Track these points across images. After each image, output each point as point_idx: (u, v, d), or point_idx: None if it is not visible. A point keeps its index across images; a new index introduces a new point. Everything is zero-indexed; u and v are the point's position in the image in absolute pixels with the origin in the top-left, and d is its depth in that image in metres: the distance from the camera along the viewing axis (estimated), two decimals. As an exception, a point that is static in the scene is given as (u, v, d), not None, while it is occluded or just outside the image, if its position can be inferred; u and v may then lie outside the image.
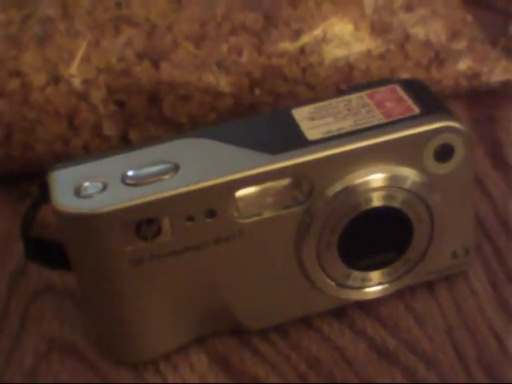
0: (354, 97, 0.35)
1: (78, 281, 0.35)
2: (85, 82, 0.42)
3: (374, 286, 0.36)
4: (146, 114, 0.42)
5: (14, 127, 0.42)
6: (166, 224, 0.32)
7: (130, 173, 0.32)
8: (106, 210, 0.31)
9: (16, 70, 0.42)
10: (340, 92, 0.37)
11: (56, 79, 0.42)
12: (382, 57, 0.43)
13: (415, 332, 0.36)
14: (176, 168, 0.32)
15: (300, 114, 0.34)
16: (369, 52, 0.43)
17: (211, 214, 0.32)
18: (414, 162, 0.33)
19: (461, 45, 0.44)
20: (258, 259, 0.34)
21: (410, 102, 0.34)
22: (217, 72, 0.42)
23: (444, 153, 0.33)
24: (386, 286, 0.36)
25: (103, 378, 0.36)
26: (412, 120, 0.33)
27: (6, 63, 0.43)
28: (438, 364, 0.34)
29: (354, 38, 0.42)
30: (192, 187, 0.32)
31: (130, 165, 0.32)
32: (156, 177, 0.32)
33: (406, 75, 0.43)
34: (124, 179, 0.32)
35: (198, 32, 0.42)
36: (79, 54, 0.42)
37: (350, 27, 0.42)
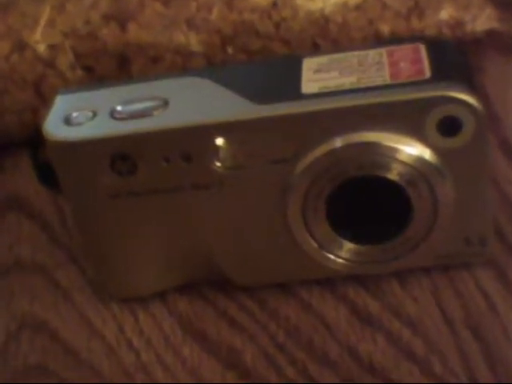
0: (373, 52, 0.32)
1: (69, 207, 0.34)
2: (50, 47, 0.41)
3: (368, 263, 0.33)
4: (116, 78, 0.41)
5: (-21, 98, 0.41)
6: (141, 162, 0.31)
7: (118, 107, 0.31)
8: (81, 139, 0.31)
9: (-21, 38, 0.41)
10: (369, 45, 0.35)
11: (21, 47, 0.41)
12: (358, 7, 0.40)
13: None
14: (165, 105, 0.31)
15: (310, 63, 0.32)
16: (345, 3, 0.40)
17: (187, 157, 0.31)
18: (415, 132, 0.30)
19: (442, -8, 0.41)
20: (240, 212, 0.32)
21: (425, 64, 0.31)
22: (187, 31, 0.40)
23: (449, 126, 0.30)
24: (382, 264, 0.33)
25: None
26: (416, 85, 0.30)
27: (-32, 32, 0.41)
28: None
29: (329, -12, 0.40)
30: (168, 127, 0.31)
31: (124, 98, 0.32)
32: (144, 113, 0.31)
33: (384, 26, 0.40)
34: (113, 113, 0.31)
35: (166, -10, 0.41)
36: (43, 19, 0.41)
37: (324, -23, 0.40)
